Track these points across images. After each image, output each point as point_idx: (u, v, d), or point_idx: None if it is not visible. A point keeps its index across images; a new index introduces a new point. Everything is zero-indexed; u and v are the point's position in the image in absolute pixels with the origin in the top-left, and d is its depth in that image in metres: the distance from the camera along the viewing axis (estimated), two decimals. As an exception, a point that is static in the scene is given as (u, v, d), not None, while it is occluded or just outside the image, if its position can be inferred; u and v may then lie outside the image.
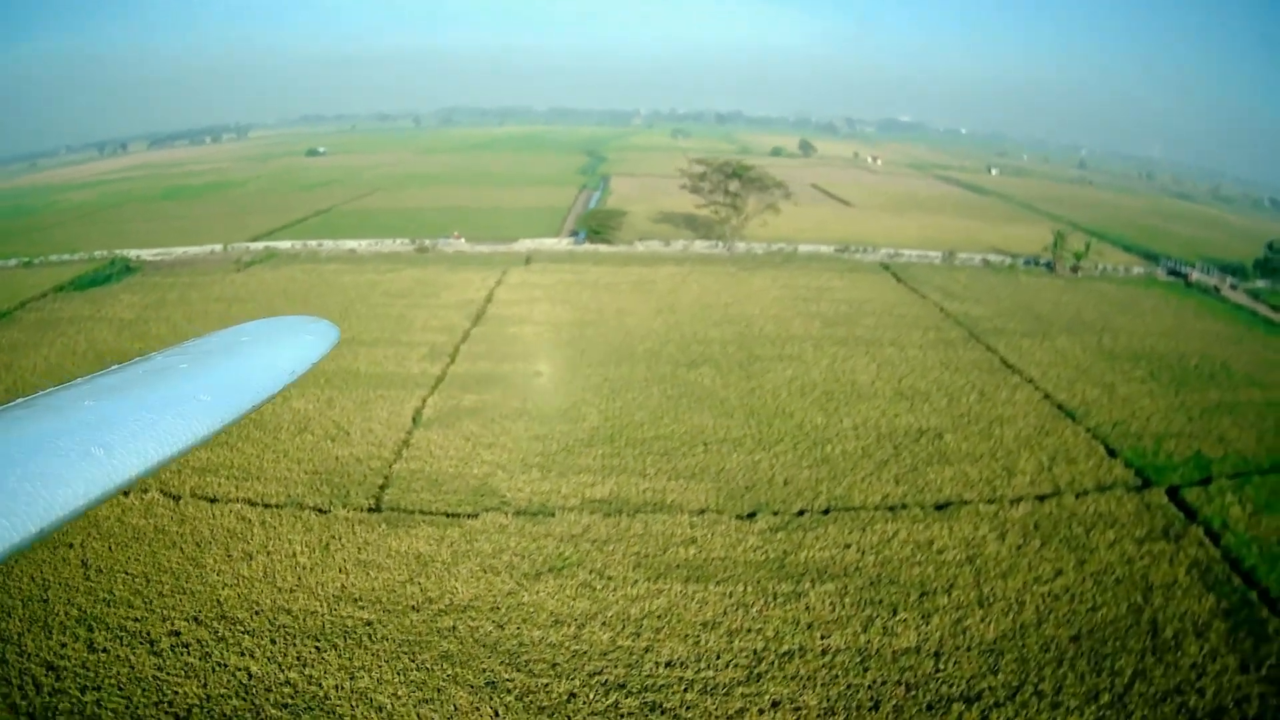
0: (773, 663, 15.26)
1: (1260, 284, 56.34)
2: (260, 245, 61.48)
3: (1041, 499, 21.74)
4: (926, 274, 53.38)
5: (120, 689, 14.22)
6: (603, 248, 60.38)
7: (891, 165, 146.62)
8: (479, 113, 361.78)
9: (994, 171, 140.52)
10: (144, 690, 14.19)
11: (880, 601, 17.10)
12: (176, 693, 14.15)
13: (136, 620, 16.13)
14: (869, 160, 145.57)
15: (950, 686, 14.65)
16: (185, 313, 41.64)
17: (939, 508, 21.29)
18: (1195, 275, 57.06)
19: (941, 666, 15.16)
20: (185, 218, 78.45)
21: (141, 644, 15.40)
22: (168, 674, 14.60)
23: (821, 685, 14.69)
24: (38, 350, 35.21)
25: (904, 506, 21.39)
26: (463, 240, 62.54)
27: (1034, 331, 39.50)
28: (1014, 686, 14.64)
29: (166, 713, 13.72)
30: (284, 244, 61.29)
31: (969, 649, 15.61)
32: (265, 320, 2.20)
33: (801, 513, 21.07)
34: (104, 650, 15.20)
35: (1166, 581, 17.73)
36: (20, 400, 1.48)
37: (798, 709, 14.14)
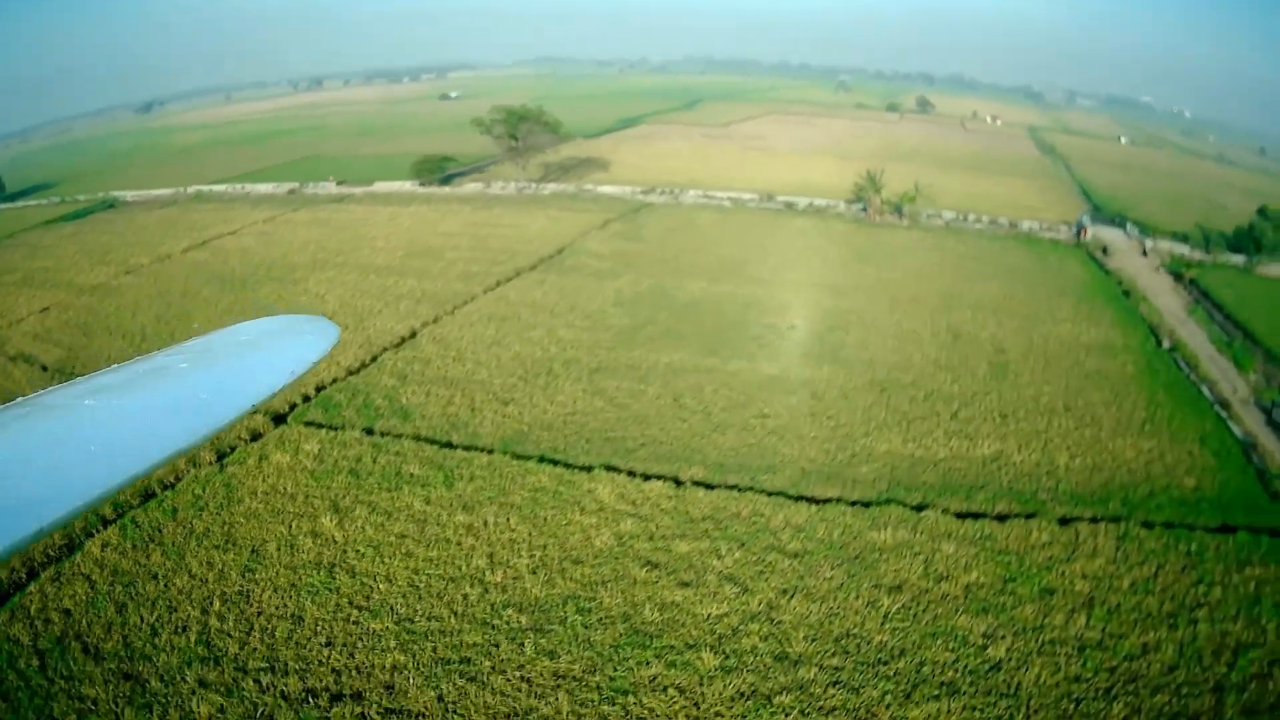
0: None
1: (1235, 258, 50.93)
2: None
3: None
4: (669, 213, 54.78)
5: None
6: (403, 187, 67.22)
7: (1009, 126, 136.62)
8: (705, 62, 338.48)
9: (1124, 140, 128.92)
10: None
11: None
12: None
13: None
14: (987, 119, 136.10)
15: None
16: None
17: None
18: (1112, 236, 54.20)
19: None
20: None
21: None
22: None
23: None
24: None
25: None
26: (333, 184, 69.88)
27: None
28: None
29: None
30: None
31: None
32: (265, 320, 2.29)
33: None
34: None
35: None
36: (20, 400, 1.49)
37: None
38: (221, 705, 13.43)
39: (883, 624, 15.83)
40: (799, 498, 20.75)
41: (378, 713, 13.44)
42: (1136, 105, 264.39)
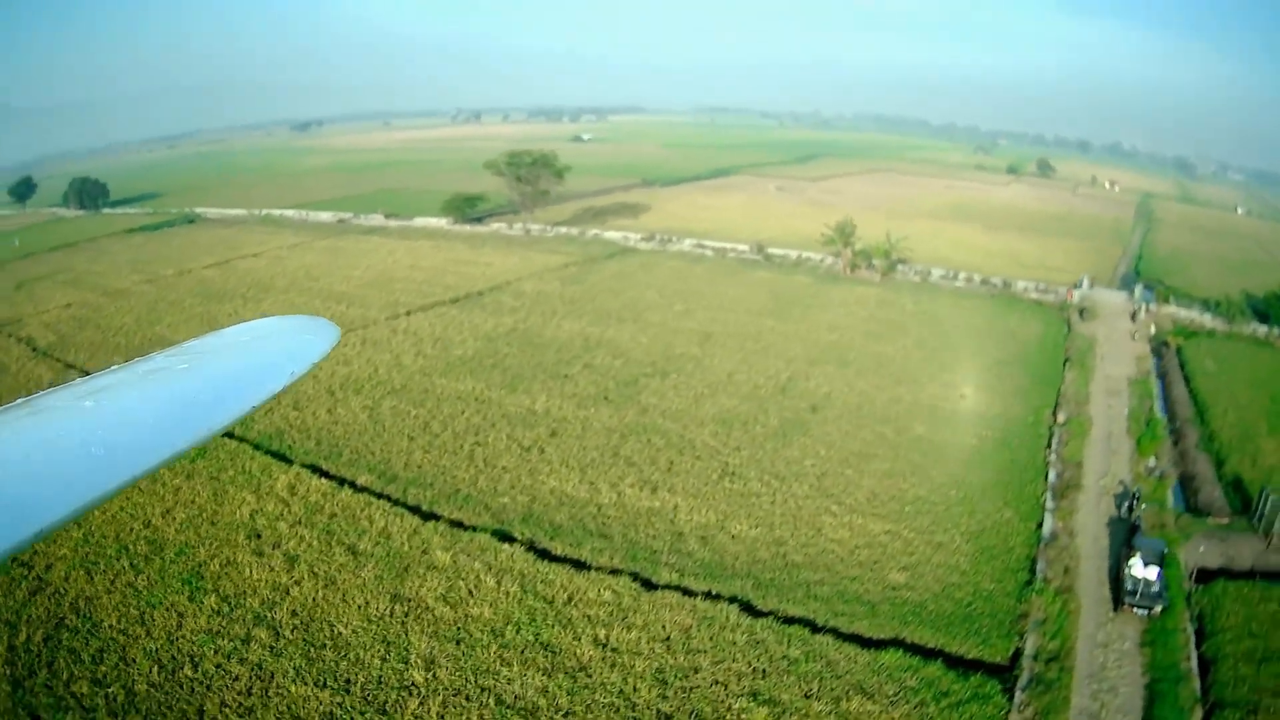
0: None
1: (1262, 328, 45.48)
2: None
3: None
4: (651, 260, 57.00)
5: None
6: (431, 223, 73.37)
7: (1126, 192, 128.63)
8: (874, 119, 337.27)
9: (1240, 210, 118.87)
10: None
11: None
12: None
13: None
14: (1105, 185, 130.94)
15: None
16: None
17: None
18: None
19: None
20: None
21: None
22: None
23: None
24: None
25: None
26: (381, 216, 77.78)
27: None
28: None
29: None
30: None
31: None
32: (265, 320, 2.29)
33: None
34: None
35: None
36: (20, 400, 1.51)
37: None
38: None
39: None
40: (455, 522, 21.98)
41: None
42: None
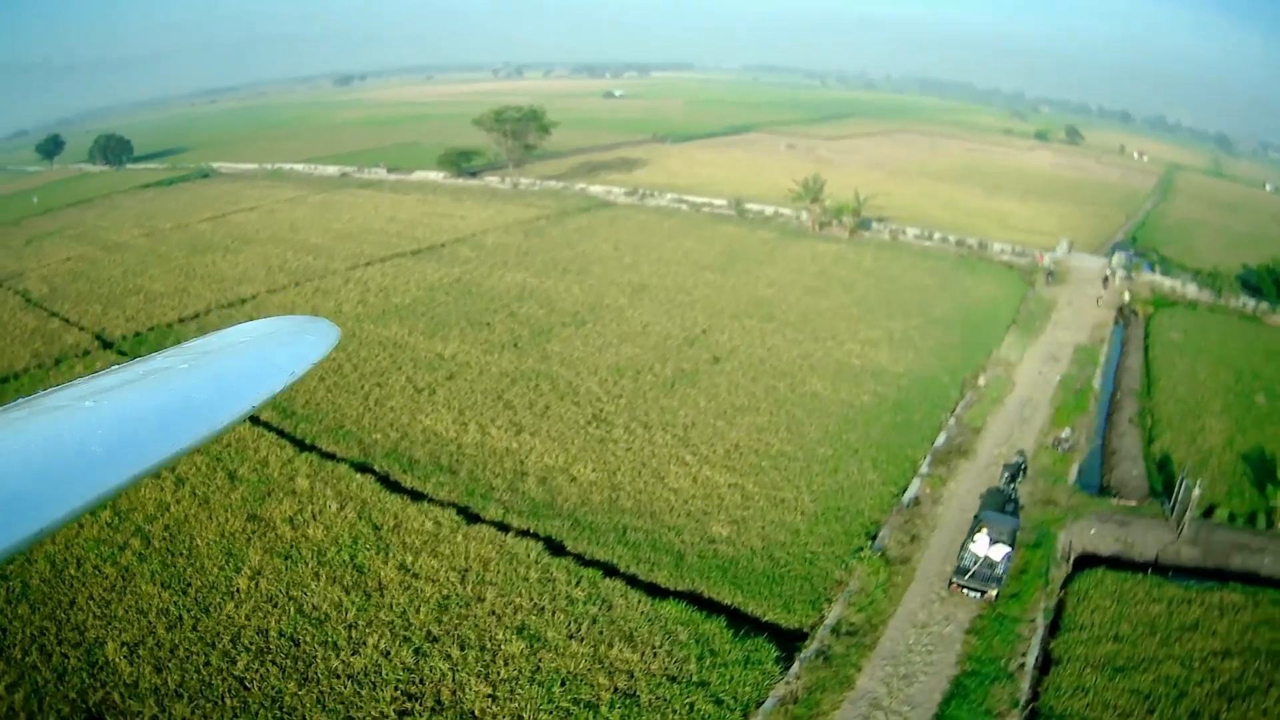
0: None
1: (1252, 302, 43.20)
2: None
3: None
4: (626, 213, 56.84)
5: None
6: (428, 177, 74.33)
7: (1154, 163, 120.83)
8: (920, 80, 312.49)
9: (1268, 187, 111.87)
10: None
11: None
12: None
13: None
14: (1134, 155, 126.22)
15: None
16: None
17: None
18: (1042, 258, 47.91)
19: None
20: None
21: None
22: None
23: None
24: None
25: None
26: (383, 170, 79.06)
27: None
28: None
29: None
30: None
31: None
32: (265, 320, 2.32)
33: None
34: None
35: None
36: (20, 400, 1.52)
37: None
38: None
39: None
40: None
41: None
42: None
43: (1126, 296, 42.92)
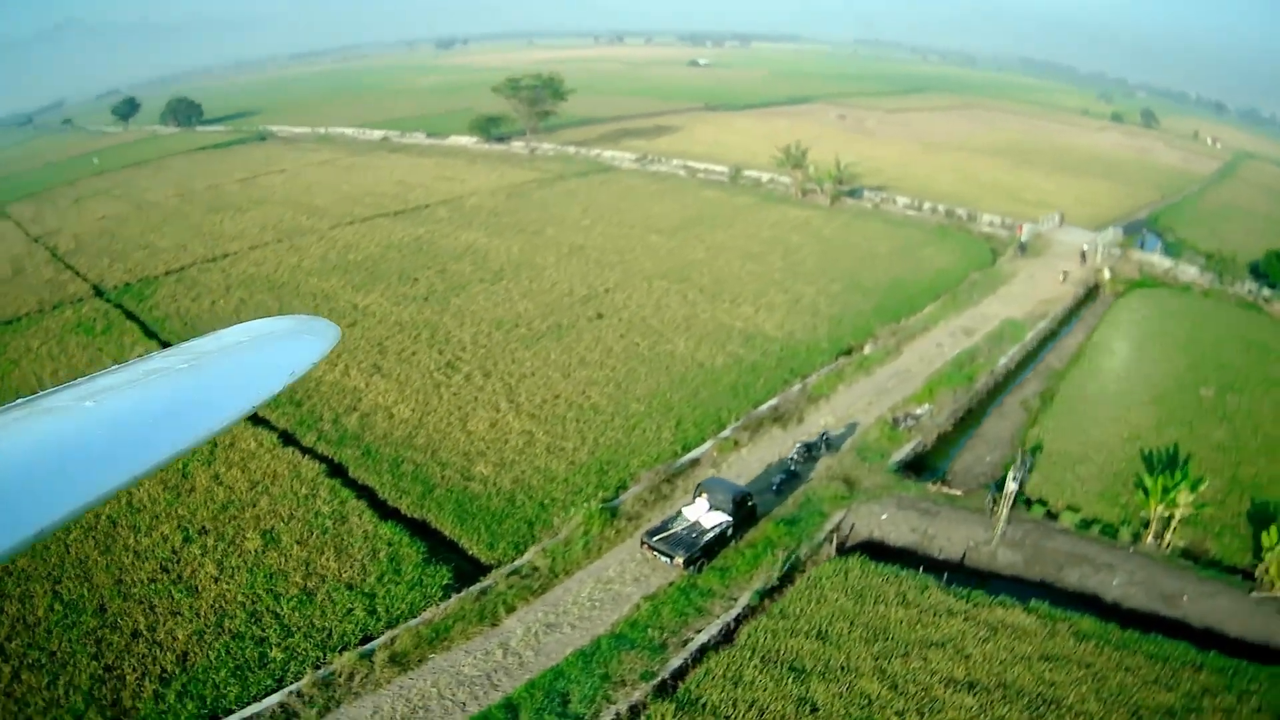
0: None
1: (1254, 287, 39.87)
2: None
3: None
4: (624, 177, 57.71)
5: None
6: (458, 142, 78.30)
7: (1226, 149, 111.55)
8: (1022, 61, 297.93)
9: None
10: None
11: None
12: None
13: None
14: (1208, 140, 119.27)
15: None
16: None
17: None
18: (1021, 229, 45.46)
19: None
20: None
21: None
22: None
23: None
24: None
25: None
26: (423, 135, 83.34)
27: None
28: None
29: None
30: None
31: None
32: (265, 320, 2.38)
33: None
34: None
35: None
36: (20, 400, 1.53)
37: None
38: None
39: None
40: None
41: None
42: None
43: (1106, 274, 39.77)
